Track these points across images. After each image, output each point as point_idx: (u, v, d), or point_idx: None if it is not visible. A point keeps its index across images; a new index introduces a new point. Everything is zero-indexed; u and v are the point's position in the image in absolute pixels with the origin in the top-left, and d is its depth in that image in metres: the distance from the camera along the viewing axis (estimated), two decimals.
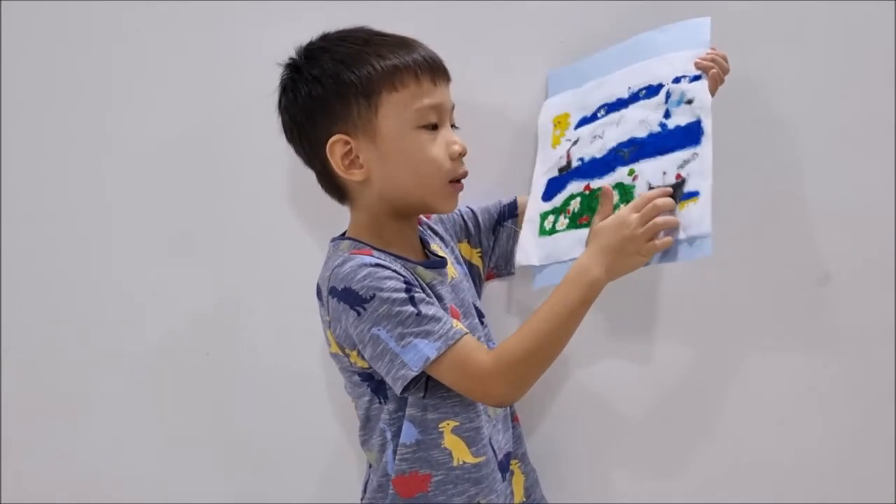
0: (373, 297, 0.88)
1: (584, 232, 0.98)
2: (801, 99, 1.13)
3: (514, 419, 1.08)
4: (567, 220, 1.03)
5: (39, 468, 1.24)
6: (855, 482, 1.18)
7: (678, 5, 1.08)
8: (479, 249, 1.13)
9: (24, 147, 1.19)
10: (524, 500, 1.04)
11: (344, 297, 0.90)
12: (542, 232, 1.05)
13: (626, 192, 0.98)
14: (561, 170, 1.07)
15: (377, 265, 0.90)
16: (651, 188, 0.95)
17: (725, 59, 0.99)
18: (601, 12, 1.12)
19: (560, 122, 1.10)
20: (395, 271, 0.91)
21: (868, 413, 1.18)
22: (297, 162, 1.03)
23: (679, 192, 0.93)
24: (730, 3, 1.10)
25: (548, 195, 1.08)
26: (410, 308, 0.88)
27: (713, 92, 0.97)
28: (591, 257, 0.91)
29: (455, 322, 0.91)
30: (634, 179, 0.98)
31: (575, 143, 1.07)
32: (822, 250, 1.15)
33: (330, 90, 0.92)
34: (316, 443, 1.22)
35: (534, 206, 1.08)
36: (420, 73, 0.93)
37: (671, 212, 0.92)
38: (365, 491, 1.03)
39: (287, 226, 1.19)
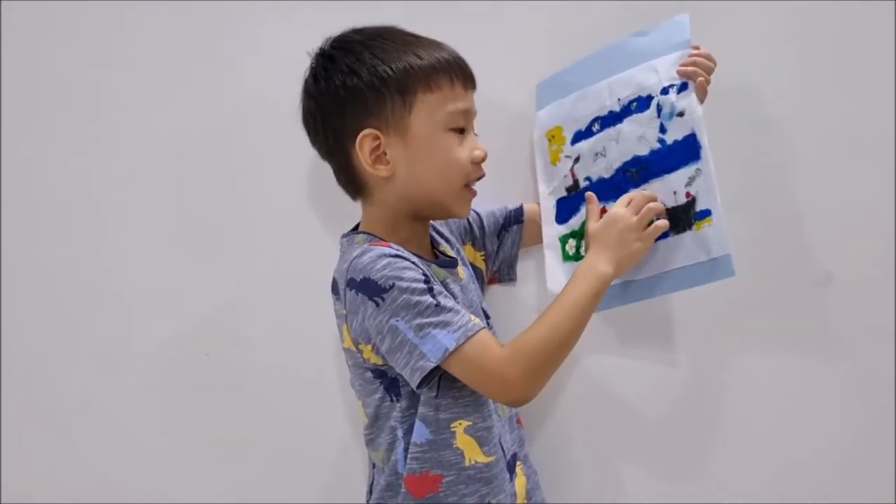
0: (392, 287, 0.87)
1: None
2: (801, 99, 1.13)
3: (518, 421, 1.09)
4: None
5: (39, 468, 1.23)
6: (855, 482, 1.19)
7: (681, 5, 1.08)
8: (482, 252, 1.13)
9: (29, 146, 1.18)
10: (525, 502, 1.04)
11: (363, 287, 0.89)
12: (567, 258, 1.06)
13: None
14: (568, 189, 1.08)
15: (396, 256, 0.90)
16: (667, 210, 0.98)
17: (710, 58, 0.99)
18: (602, 13, 1.13)
19: (554, 137, 1.10)
20: (413, 263, 0.91)
21: (868, 413, 1.18)
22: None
23: (692, 212, 0.97)
24: (730, 2, 1.10)
25: (561, 217, 1.08)
26: (429, 298, 0.88)
27: (702, 98, 0.98)
28: (596, 256, 0.95)
29: (472, 316, 0.91)
30: None
31: (576, 160, 1.07)
32: (822, 250, 1.15)
33: (367, 83, 0.92)
34: (321, 443, 1.22)
35: (550, 231, 1.09)
36: (454, 77, 0.94)
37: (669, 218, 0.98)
38: (371, 492, 1.03)
39: (291, 226, 1.19)
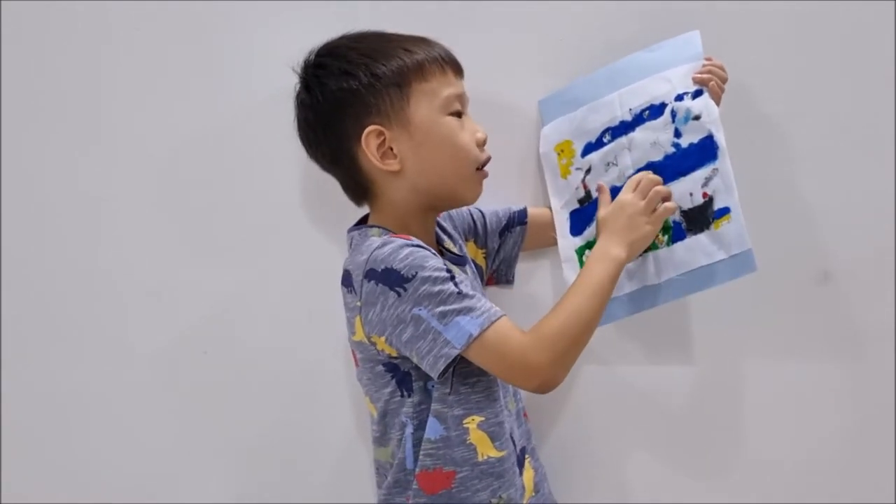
0: (414, 276, 0.87)
1: (630, 265, 1.03)
2: (801, 97, 1.14)
3: (524, 414, 1.09)
4: None
5: (39, 468, 1.23)
6: (855, 482, 1.19)
7: (681, 5, 1.08)
8: (484, 250, 1.13)
9: (28, 146, 1.18)
10: (533, 494, 1.05)
11: (384, 278, 0.89)
12: None
13: None
14: (581, 201, 1.08)
15: (418, 246, 0.90)
16: (683, 212, 0.99)
17: (723, 69, 1.01)
18: (600, 12, 1.13)
19: (564, 151, 1.10)
20: (434, 254, 0.91)
21: (868, 413, 1.18)
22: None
23: (710, 211, 0.97)
24: (730, 2, 1.10)
25: (576, 229, 1.09)
26: (452, 287, 0.88)
27: (717, 104, 0.99)
28: (607, 241, 0.97)
29: (492, 304, 0.91)
30: None
31: (588, 171, 1.07)
32: (820, 249, 1.16)
33: (363, 82, 0.93)
34: (323, 441, 1.22)
35: (566, 244, 1.09)
36: (444, 65, 0.96)
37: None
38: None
39: (289, 223, 1.18)
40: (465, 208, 1.12)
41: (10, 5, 1.15)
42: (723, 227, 0.96)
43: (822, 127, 1.14)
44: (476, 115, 1.01)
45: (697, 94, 0.99)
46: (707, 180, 0.97)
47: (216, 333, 1.21)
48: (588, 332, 0.92)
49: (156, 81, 1.17)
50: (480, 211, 1.13)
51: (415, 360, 0.91)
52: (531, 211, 1.13)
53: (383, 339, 0.92)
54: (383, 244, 0.90)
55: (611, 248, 0.96)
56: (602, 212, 1.01)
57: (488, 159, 1.00)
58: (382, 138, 0.94)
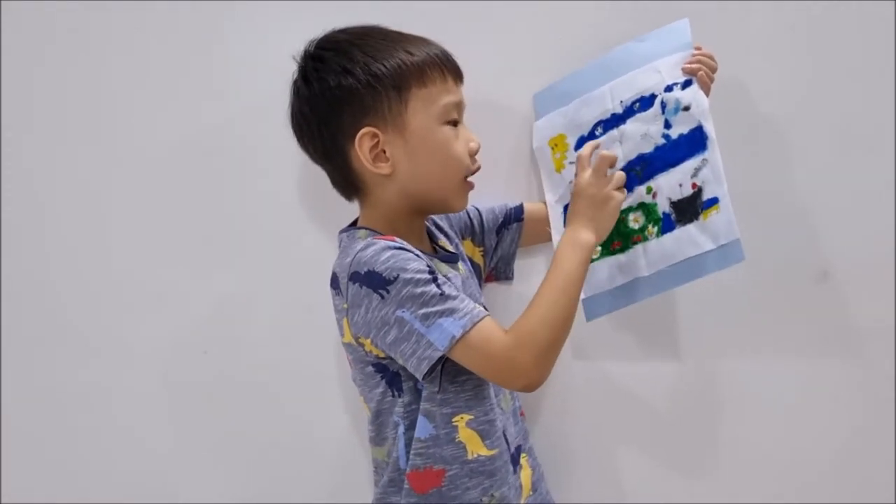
0: (396, 279, 0.87)
1: (621, 257, 1.03)
2: (800, 97, 1.13)
3: (521, 413, 1.09)
4: (600, 248, 1.05)
5: (39, 468, 1.23)
6: (855, 482, 1.19)
7: (679, 5, 1.08)
8: (481, 248, 1.13)
9: (28, 146, 1.18)
10: (531, 493, 1.05)
11: (367, 280, 0.89)
12: None
13: (649, 211, 1.02)
14: None
15: (400, 248, 0.90)
16: (672, 203, 0.99)
17: (712, 58, 1.01)
18: (596, 12, 1.13)
19: (557, 145, 1.10)
20: (417, 255, 0.91)
21: (868, 413, 1.18)
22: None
23: (699, 202, 0.97)
24: (730, 2, 1.10)
25: None
26: (434, 288, 0.88)
27: (706, 94, 0.99)
28: (573, 227, 0.97)
29: (476, 304, 0.91)
30: (654, 197, 1.01)
31: None
32: (819, 249, 1.16)
33: (362, 81, 0.92)
34: (321, 441, 1.22)
35: (559, 238, 1.08)
36: (445, 70, 0.95)
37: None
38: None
39: (287, 224, 1.19)
40: None
41: (10, 5, 1.15)
42: (711, 217, 0.96)
43: (822, 126, 1.14)
44: (471, 114, 1.01)
45: (687, 84, 0.99)
46: (696, 171, 0.97)
47: (216, 333, 1.21)
48: (568, 322, 0.91)
49: (156, 82, 1.17)
50: (477, 209, 1.13)
51: (400, 361, 0.91)
52: (528, 207, 1.13)
53: (369, 340, 0.92)
54: (366, 246, 0.90)
55: (578, 233, 0.96)
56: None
57: (478, 169, 0.99)
58: (376, 140, 0.93)
